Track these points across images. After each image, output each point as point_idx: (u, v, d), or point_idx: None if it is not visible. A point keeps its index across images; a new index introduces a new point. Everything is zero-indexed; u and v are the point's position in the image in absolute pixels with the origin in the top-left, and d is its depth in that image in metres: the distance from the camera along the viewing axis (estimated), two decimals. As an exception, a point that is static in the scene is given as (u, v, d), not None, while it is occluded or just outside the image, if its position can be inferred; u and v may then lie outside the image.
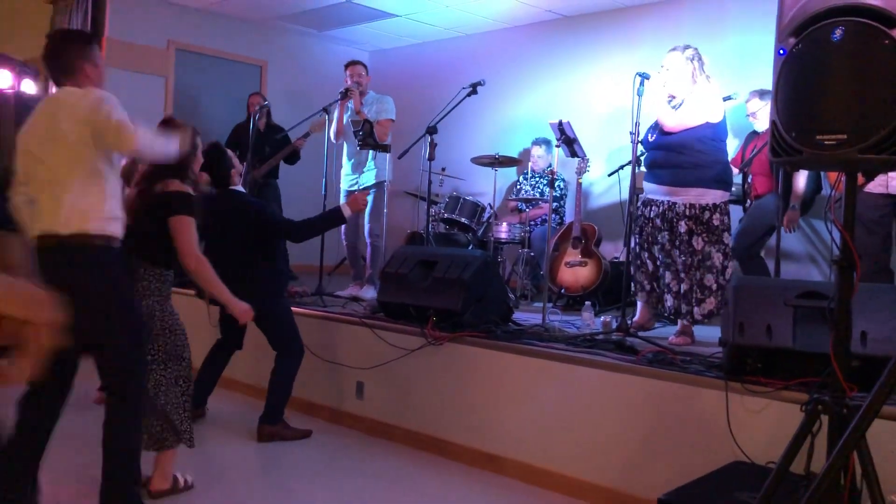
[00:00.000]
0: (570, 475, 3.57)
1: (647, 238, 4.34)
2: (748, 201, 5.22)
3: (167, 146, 2.97)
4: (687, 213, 4.14)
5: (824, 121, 2.01)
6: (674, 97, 4.26)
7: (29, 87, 6.31)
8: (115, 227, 2.83)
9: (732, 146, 4.97)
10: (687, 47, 4.23)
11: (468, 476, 3.80)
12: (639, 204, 4.44)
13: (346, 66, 5.85)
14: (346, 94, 5.64)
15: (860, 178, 2.13)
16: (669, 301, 4.24)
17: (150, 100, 7.07)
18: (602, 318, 4.53)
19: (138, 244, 3.13)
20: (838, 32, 2.00)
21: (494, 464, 3.85)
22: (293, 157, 6.77)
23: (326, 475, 3.72)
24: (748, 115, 5.17)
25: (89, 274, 2.77)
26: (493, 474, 3.82)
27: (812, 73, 2.05)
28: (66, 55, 2.91)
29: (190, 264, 3.20)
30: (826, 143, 2.00)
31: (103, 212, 2.78)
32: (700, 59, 4.21)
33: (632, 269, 4.46)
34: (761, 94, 5.02)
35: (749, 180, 5.22)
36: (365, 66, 5.88)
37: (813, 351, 2.95)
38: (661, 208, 4.24)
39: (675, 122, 4.22)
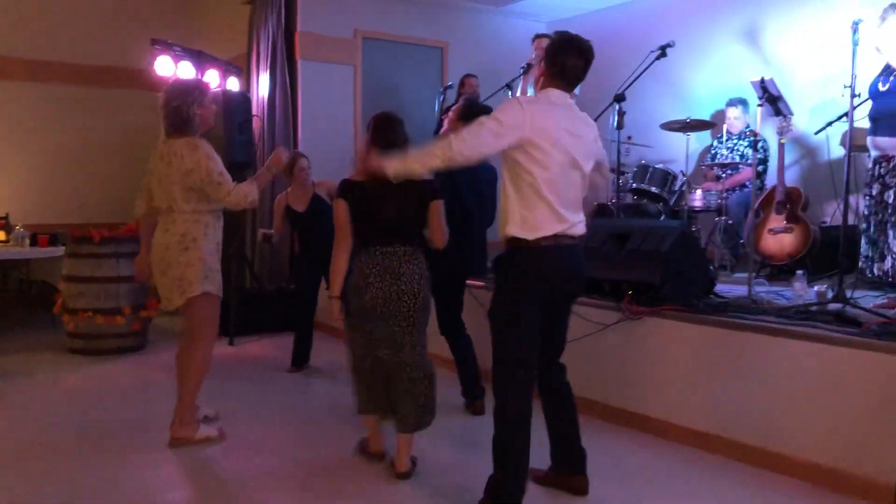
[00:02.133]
0: (790, 455, 3.36)
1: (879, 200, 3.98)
2: None
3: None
4: None
5: None
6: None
7: (233, 84, 6.78)
8: None
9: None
10: (891, 6, 3.82)
11: (674, 453, 3.68)
12: (870, 164, 4.06)
13: (533, 40, 5.79)
14: (528, 69, 5.59)
15: None
16: (889, 262, 3.85)
17: (342, 89, 7.37)
18: (816, 288, 4.19)
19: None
20: None
21: (702, 441, 3.70)
22: None
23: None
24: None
25: None
26: (700, 451, 3.67)
27: None
28: None
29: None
30: None
31: None
32: None
33: (863, 237, 4.10)
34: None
35: None
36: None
37: None
38: (892, 163, 3.86)
39: None
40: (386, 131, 3.30)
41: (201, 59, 6.40)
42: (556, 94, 2.96)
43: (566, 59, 2.94)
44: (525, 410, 2.88)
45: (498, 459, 2.90)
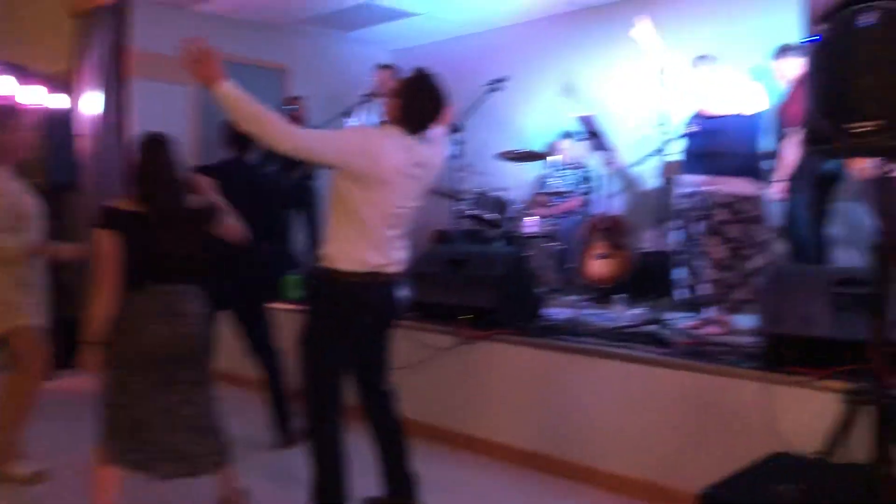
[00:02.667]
0: (608, 470, 3.57)
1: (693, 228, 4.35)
2: None
3: None
4: (727, 202, 4.13)
5: (860, 108, 1.98)
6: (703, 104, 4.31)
7: (59, 101, 6.40)
8: None
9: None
10: (701, 57, 4.24)
11: (504, 473, 3.81)
12: (684, 195, 4.43)
13: (375, 69, 5.88)
14: (369, 97, 5.66)
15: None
16: (705, 289, 4.20)
17: (177, 109, 7.13)
18: (634, 311, 4.50)
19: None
20: (871, 17, 1.97)
21: (531, 461, 3.85)
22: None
23: (357, 477, 3.74)
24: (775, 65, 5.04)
25: None
26: (530, 470, 3.82)
27: (845, 59, 2.02)
28: None
29: None
30: (862, 130, 1.97)
31: None
32: (706, 60, 4.25)
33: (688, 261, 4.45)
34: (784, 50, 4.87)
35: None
36: (393, 69, 5.90)
37: (852, 338, 2.91)
38: (700, 198, 4.24)
39: (718, 107, 4.20)
40: (153, 154, 3.03)
41: (22, 74, 6.01)
42: (401, 133, 2.95)
43: (421, 104, 2.96)
44: (338, 440, 2.96)
45: (317, 495, 2.94)
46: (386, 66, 5.90)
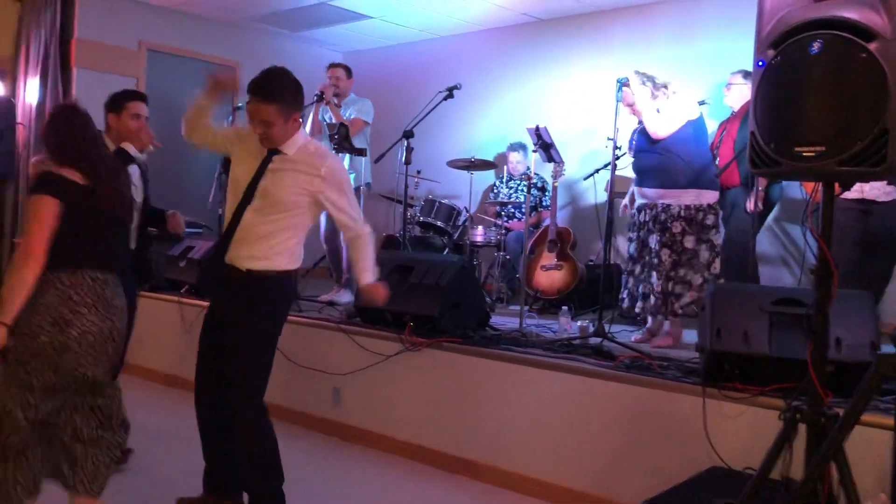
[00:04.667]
0: (548, 480, 3.58)
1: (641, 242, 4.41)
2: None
3: None
4: (682, 214, 4.20)
5: (803, 133, 2.03)
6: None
7: (-3, 88, 6.21)
8: None
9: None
10: (637, 73, 4.31)
11: (445, 482, 3.79)
12: (633, 210, 4.48)
13: (328, 68, 5.82)
14: (321, 97, 5.60)
15: (836, 189, 2.16)
16: (652, 300, 4.26)
17: (121, 101, 6.95)
18: (579, 323, 4.54)
19: None
20: (816, 45, 2.02)
21: (471, 470, 3.84)
22: None
23: (302, 483, 3.69)
24: (725, 87, 5.17)
25: None
26: (471, 480, 3.81)
27: (791, 85, 2.07)
28: None
29: None
30: (805, 154, 2.02)
31: None
32: (651, 79, 4.30)
33: (627, 276, 4.50)
34: (745, 74, 5.01)
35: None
36: (347, 69, 5.85)
37: (789, 357, 2.98)
38: (654, 211, 4.30)
39: (659, 129, 4.26)
40: (81, 122, 2.68)
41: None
42: None
43: None
44: (272, 430, 3.03)
45: (265, 479, 3.03)
46: (338, 65, 5.85)
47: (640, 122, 4.38)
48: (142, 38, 7.10)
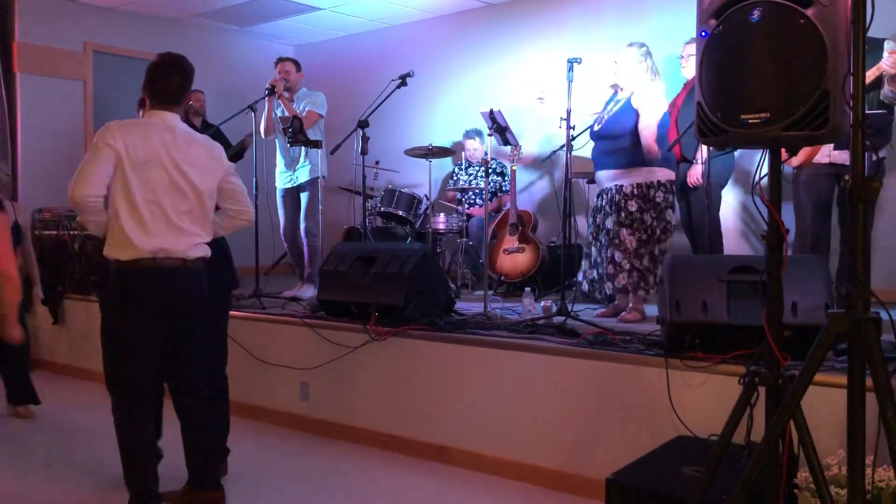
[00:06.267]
0: (518, 460, 3.60)
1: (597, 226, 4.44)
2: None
3: None
4: (635, 192, 4.23)
5: (747, 100, 2.05)
6: (620, 90, 4.36)
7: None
8: None
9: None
10: (642, 45, 4.32)
11: (418, 469, 3.80)
12: (598, 189, 4.51)
13: (276, 63, 5.76)
14: (272, 91, 5.55)
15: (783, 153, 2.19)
16: (623, 279, 4.29)
17: (70, 104, 6.83)
18: (542, 303, 4.57)
19: None
20: (756, 13, 2.04)
21: (443, 454, 3.85)
22: (236, 158, 6.62)
23: (273, 480, 3.67)
24: (680, 58, 5.19)
25: None
26: (443, 465, 3.82)
27: (733, 53, 2.09)
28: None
29: None
30: (750, 121, 2.04)
31: None
32: (651, 57, 4.31)
33: (584, 259, 4.53)
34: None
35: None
36: (295, 63, 5.79)
37: (748, 324, 3.03)
38: (609, 194, 4.33)
39: (653, 122, 4.26)
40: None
41: None
42: (158, 115, 3.10)
43: (163, 80, 3.13)
44: (138, 429, 3.02)
45: (127, 482, 3.02)
46: (286, 59, 5.79)
47: (608, 105, 4.41)
48: (87, 40, 6.96)
